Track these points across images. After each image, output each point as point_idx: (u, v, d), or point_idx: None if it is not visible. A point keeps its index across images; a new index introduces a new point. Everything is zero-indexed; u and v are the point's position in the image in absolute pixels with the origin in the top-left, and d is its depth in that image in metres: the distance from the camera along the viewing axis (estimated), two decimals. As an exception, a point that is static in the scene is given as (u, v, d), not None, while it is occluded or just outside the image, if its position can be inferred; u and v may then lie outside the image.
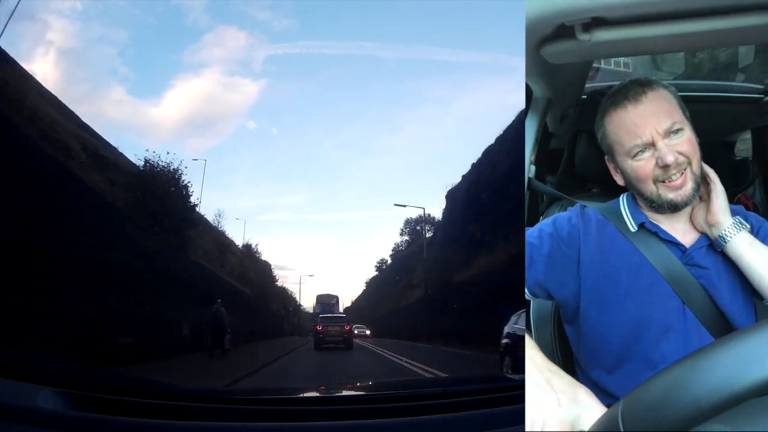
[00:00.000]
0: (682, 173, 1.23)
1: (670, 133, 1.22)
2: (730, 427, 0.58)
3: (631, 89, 1.27)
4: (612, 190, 1.54)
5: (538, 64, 1.56)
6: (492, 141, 21.33)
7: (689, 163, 1.23)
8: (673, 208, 1.26)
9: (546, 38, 1.38)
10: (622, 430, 0.57)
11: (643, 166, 1.25)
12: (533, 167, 2.18)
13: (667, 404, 0.55)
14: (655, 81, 1.29)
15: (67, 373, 1.06)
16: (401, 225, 40.16)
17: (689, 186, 1.24)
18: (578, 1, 1.23)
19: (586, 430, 0.76)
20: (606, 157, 1.38)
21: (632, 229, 1.30)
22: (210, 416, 0.90)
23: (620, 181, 1.36)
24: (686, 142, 1.23)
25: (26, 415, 0.79)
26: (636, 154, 1.25)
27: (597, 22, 1.27)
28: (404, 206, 25.63)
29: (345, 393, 1.42)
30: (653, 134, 1.22)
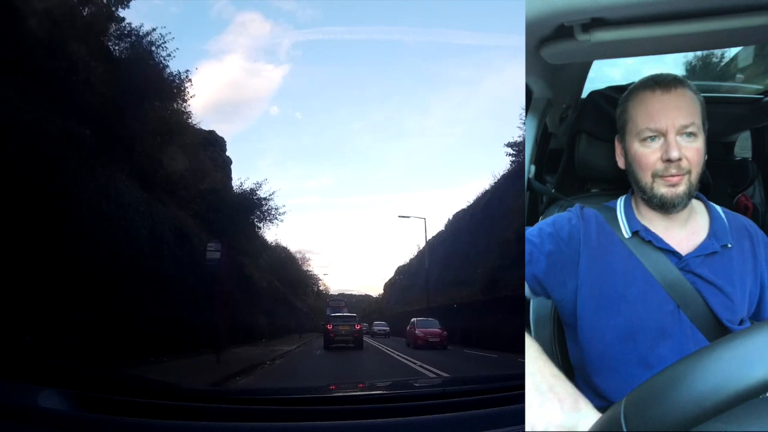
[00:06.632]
0: (680, 175, 1.23)
1: (684, 132, 1.22)
2: (732, 426, 0.58)
3: (666, 78, 1.27)
4: (611, 191, 1.54)
5: (537, 65, 1.56)
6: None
7: (689, 172, 1.23)
8: (662, 205, 1.26)
9: (546, 39, 1.38)
10: (624, 429, 0.57)
11: (648, 155, 1.25)
12: (533, 167, 2.18)
13: (668, 403, 0.55)
14: (690, 83, 1.30)
15: (68, 373, 1.06)
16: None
17: (682, 189, 1.24)
18: (578, 2, 1.23)
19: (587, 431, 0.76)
20: (617, 136, 1.38)
21: (626, 236, 1.31)
22: (210, 416, 0.90)
23: (621, 164, 1.36)
24: (695, 150, 1.23)
25: (26, 415, 0.79)
26: (645, 139, 1.25)
27: (596, 22, 1.27)
28: (407, 217, 25.92)
29: (345, 393, 1.42)
30: (668, 125, 1.22)
